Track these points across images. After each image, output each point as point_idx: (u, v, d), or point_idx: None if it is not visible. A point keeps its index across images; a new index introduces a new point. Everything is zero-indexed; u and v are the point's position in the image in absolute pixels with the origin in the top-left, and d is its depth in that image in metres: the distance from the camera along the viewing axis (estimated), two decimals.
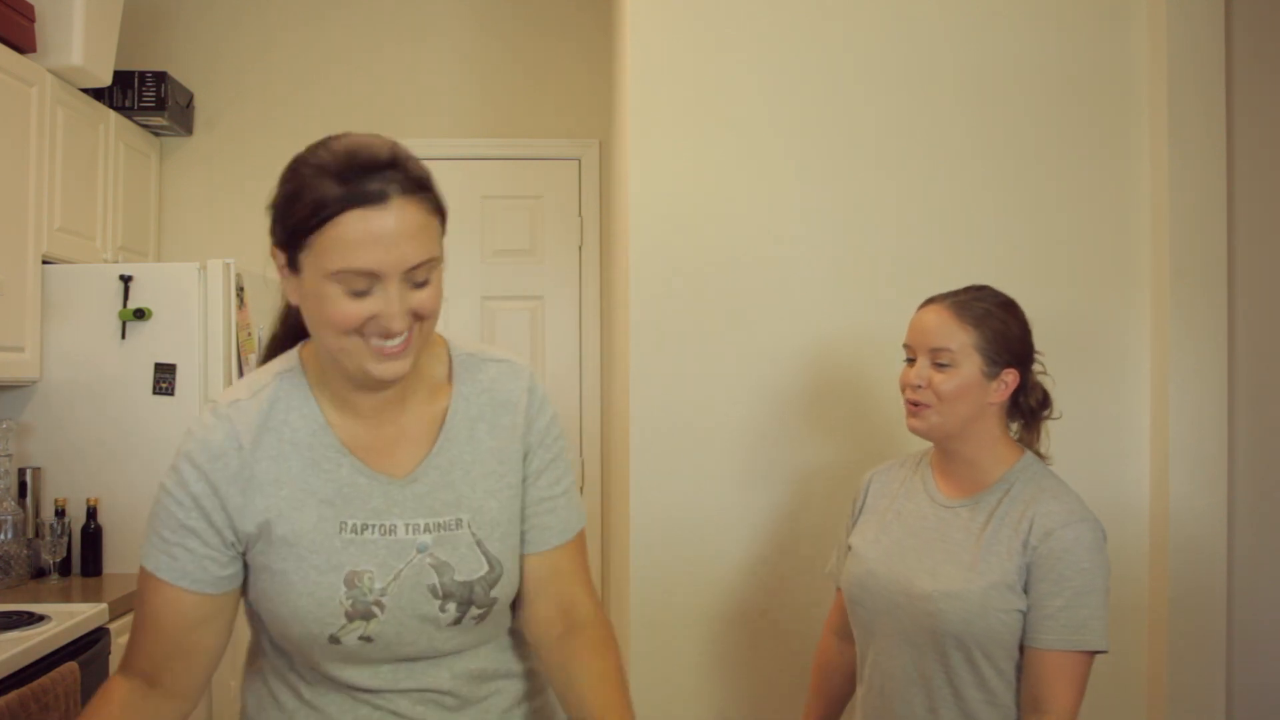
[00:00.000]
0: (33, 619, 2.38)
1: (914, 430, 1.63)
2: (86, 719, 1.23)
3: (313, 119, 3.91)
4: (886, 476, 1.79)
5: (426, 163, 1.15)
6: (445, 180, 4.13)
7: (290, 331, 1.31)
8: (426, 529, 1.21)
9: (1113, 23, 2.31)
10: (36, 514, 2.95)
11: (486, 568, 1.23)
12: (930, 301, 1.67)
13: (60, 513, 2.92)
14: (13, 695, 2.08)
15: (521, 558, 1.29)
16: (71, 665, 2.31)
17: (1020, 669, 1.55)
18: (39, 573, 2.93)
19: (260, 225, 4.10)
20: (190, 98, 3.85)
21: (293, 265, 1.14)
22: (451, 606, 1.21)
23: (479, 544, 1.23)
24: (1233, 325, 2.17)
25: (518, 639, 1.34)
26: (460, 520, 1.23)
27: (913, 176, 2.31)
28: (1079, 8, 2.31)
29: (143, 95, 3.54)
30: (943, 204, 2.31)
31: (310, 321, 1.17)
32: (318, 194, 1.10)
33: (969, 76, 2.31)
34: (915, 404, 1.62)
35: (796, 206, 2.31)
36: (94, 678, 2.46)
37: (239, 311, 3.17)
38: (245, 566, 1.23)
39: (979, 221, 2.31)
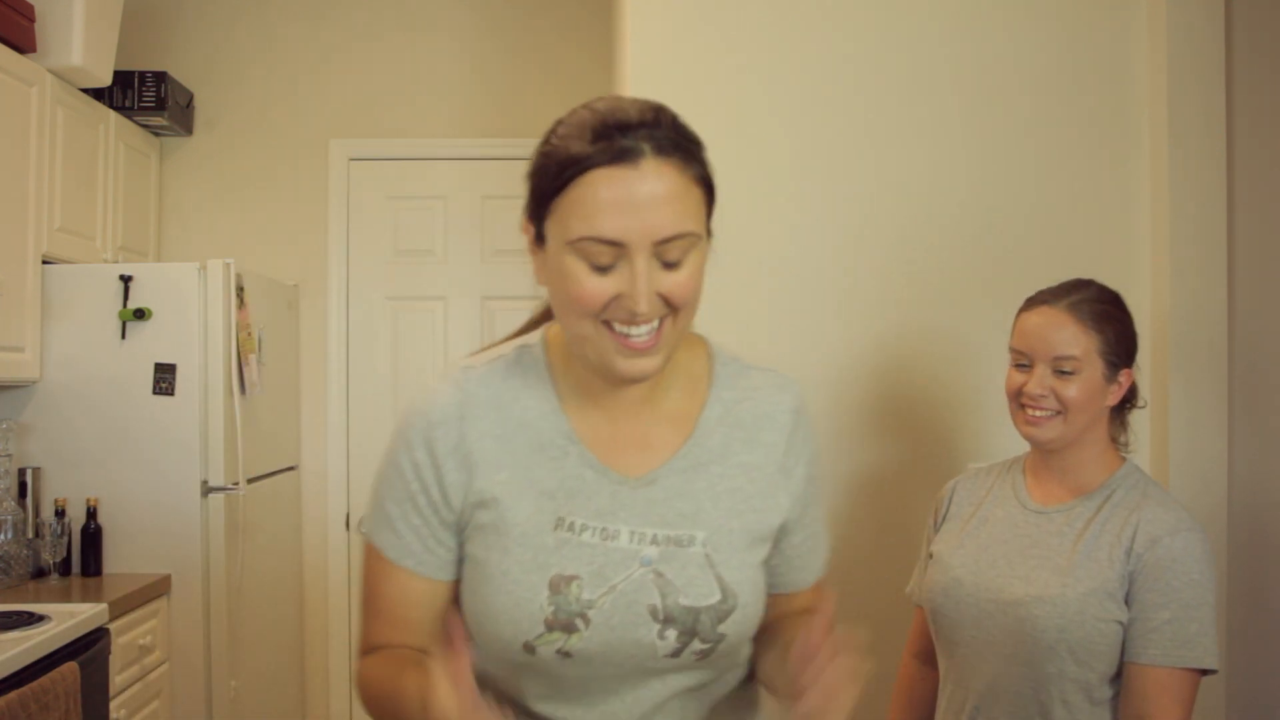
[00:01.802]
0: (33, 619, 2.38)
1: (1032, 439, 1.54)
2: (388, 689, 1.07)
3: (313, 119, 3.92)
4: (971, 484, 1.69)
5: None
6: (445, 180, 4.13)
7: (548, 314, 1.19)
8: (654, 540, 1.06)
9: (1113, 23, 2.31)
10: (36, 514, 2.95)
11: (719, 596, 1.06)
12: (1038, 303, 1.56)
13: (60, 513, 2.92)
14: (13, 695, 2.08)
15: (770, 596, 1.13)
16: (71, 665, 2.31)
17: (1113, 689, 1.46)
18: (39, 573, 2.93)
19: (260, 225, 4.09)
20: (190, 98, 3.85)
21: (540, 237, 1.03)
22: (672, 634, 1.04)
23: (712, 567, 1.06)
24: (1232, 325, 2.17)
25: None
26: (694, 537, 1.06)
27: (912, 176, 2.31)
28: (1079, 8, 2.32)
29: (143, 95, 3.54)
30: (942, 203, 2.31)
31: (554, 303, 1.06)
32: (567, 152, 0.98)
33: (969, 76, 2.31)
34: (1035, 413, 1.52)
35: (797, 206, 2.31)
36: (94, 678, 2.47)
37: (239, 311, 3.17)
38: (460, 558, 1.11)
39: (978, 220, 2.31)
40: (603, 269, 0.99)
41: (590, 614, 1.03)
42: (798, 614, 1.15)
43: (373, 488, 1.12)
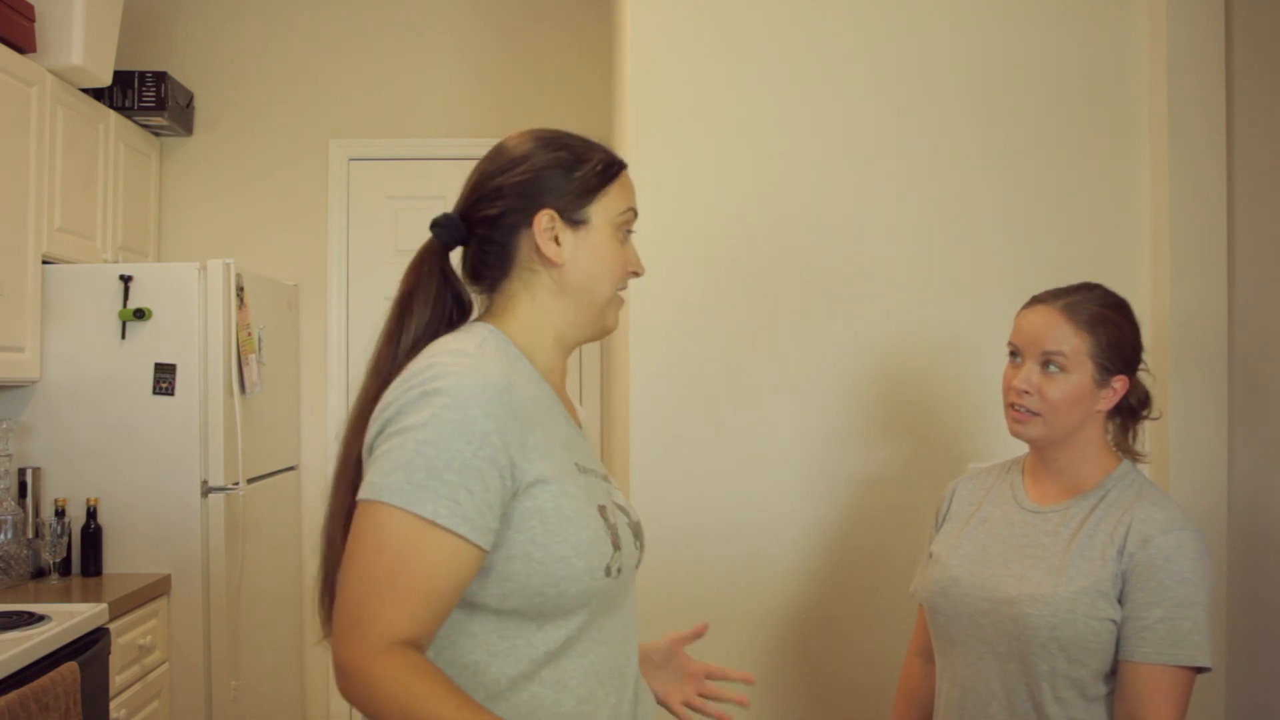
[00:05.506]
0: (33, 619, 2.38)
1: (1017, 436, 1.56)
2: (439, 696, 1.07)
3: (313, 119, 3.92)
4: (972, 484, 1.71)
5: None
6: (444, 180, 4.13)
7: (436, 320, 1.30)
8: (606, 477, 1.32)
9: (1113, 23, 2.31)
10: (36, 514, 2.95)
11: (637, 516, 1.34)
12: (1038, 301, 1.57)
13: (60, 513, 2.92)
14: (13, 695, 2.08)
15: None
16: (71, 665, 2.31)
17: (1108, 686, 1.47)
18: (39, 573, 2.93)
19: (260, 225, 4.07)
20: (190, 98, 3.85)
21: (576, 221, 1.27)
22: (639, 544, 1.30)
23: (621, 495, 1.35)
24: (1232, 326, 2.17)
25: None
26: (607, 475, 1.35)
27: (914, 175, 2.31)
28: (1080, 8, 2.32)
29: (143, 95, 3.54)
30: (943, 203, 2.31)
31: (586, 272, 1.28)
32: (599, 156, 1.30)
33: (971, 76, 2.31)
34: (1020, 410, 1.53)
35: (797, 205, 2.31)
36: (94, 678, 2.47)
37: (239, 311, 3.17)
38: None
39: (979, 220, 2.31)
40: (629, 234, 1.32)
41: (618, 533, 1.23)
42: None
43: (410, 462, 1.11)
